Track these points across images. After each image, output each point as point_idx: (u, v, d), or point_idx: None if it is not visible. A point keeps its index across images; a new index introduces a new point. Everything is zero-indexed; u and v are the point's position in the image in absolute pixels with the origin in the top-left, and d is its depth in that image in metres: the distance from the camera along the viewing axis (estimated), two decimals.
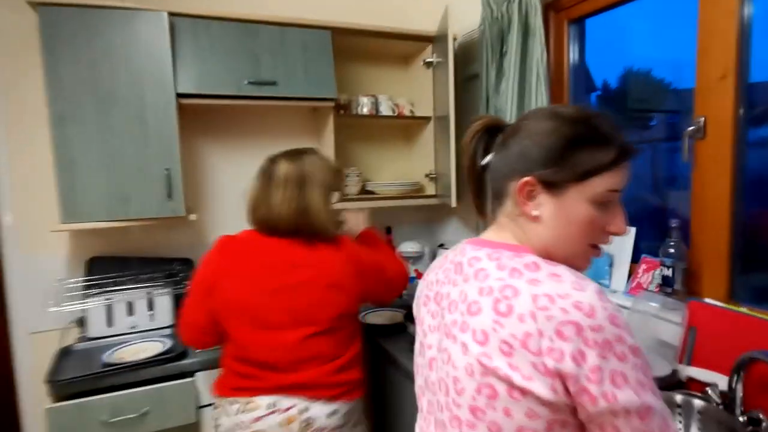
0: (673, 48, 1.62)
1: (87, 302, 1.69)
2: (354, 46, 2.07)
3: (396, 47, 2.11)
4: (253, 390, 1.21)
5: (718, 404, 1.01)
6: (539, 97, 1.58)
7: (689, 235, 1.29)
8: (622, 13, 1.65)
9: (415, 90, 2.23)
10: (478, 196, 0.78)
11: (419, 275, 1.87)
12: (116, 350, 1.57)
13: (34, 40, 1.66)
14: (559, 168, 0.65)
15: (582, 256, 0.69)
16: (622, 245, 1.46)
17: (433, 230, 2.46)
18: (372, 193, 2.11)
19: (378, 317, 1.87)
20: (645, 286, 1.37)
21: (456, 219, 2.29)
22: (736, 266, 1.22)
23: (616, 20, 1.69)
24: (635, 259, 1.44)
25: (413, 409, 0.82)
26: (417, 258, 2.30)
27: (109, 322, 1.71)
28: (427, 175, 2.14)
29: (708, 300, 1.18)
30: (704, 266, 1.25)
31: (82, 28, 1.50)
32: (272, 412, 1.19)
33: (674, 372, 1.15)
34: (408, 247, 2.26)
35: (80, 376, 1.40)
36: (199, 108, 1.86)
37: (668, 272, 1.26)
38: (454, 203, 1.83)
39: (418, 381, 0.78)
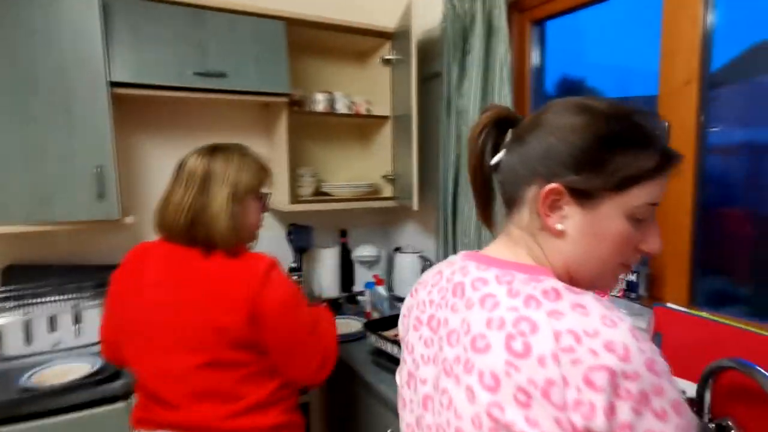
0: (626, 56, 1.65)
1: (1, 316, 1.48)
2: (309, 40, 1.97)
3: (353, 43, 2.03)
4: (149, 423, 1.06)
5: None
6: (503, 100, 1.55)
7: None
8: (581, 18, 1.65)
9: (372, 88, 2.15)
10: (484, 202, 0.67)
11: (380, 282, 1.79)
12: (36, 372, 1.38)
13: None
14: (594, 174, 0.54)
15: (610, 276, 0.60)
16: None
17: (390, 234, 2.39)
18: (327, 194, 2.01)
19: None
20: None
21: (414, 222, 2.23)
22: (697, 271, 1.23)
23: (574, 25, 1.70)
24: None
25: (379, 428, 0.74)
26: (373, 262, 2.22)
27: (28, 339, 1.50)
28: (384, 177, 2.07)
29: (671, 305, 1.18)
30: (667, 271, 1.26)
31: None
32: None
33: None
34: (364, 251, 2.19)
35: None
36: (138, 99, 1.68)
37: (633, 277, 1.25)
38: (415, 206, 1.77)
39: (407, 418, 0.67)
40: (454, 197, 1.77)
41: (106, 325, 1.16)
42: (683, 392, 1.02)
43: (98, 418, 1.29)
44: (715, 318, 1.06)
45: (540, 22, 1.67)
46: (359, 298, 2.08)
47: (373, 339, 1.50)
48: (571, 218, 0.56)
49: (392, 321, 1.61)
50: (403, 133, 1.89)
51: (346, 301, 2.08)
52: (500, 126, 0.63)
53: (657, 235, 0.59)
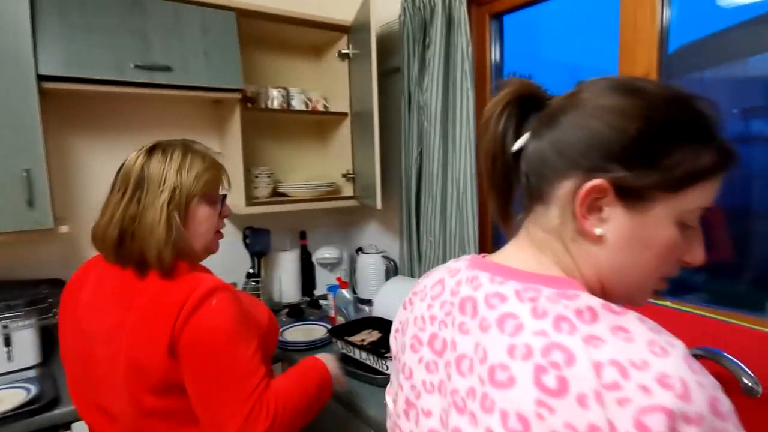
0: (580, 53, 1.67)
1: None
2: (263, 33, 1.87)
3: (308, 36, 1.94)
4: None
5: None
6: (464, 94, 1.52)
7: None
8: (537, 14, 1.66)
9: (329, 84, 2.07)
10: (504, 198, 0.55)
11: (343, 285, 1.73)
12: None
13: None
14: (649, 170, 0.45)
15: (647, 290, 0.51)
16: None
17: (351, 234, 2.33)
18: (284, 195, 1.92)
19: (295, 333, 1.69)
20: None
21: (376, 222, 2.18)
22: None
23: (530, 20, 1.71)
24: None
25: None
26: (335, 264, 2.15)
27: None
28: (344, 175, 2.00)
29: None
30: None
31: None
32: None
33: None
34: (325, 253, 2.11)
35: None
36: (72, 95, 1.53)
37: None
38: (378, 205, 1.72)
39: None
40: (418, 195, 1.73)
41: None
42: None
43: None
44: (679, 307, 1.08)
45: (498, 16, 1.66)
46: (322, 302, 2.01)
47: (339, 345, 1.44)
48: (612, 221, 0.47)
49: (358, 325, 1.55)
50: (362, 130, 1.83)
51: (308, 306, 2.00)
52: (523, 105, 0.52)
53: (702, 244, 0.51)
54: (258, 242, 1.94)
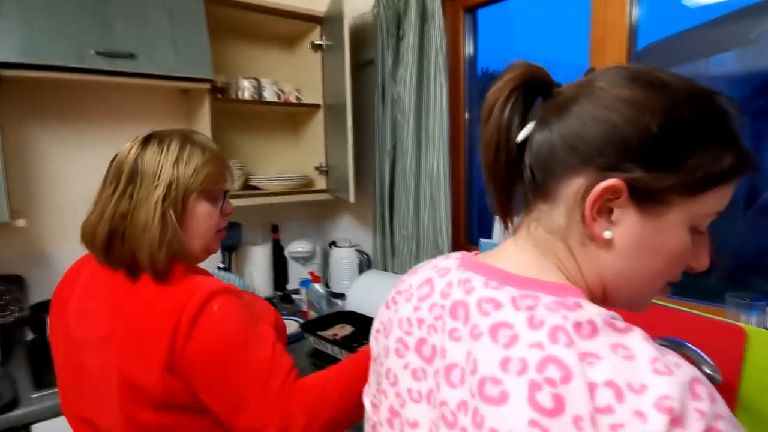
0: (553, 48, 1.69)
1: None
2: (234, 22, 1.82)
3: (280, 26, 1.90)
4: None
5: None
6: (438, 88, 1.52)
7: None
8: (511, 8, 1.67)
9: (301, 75, 2.04)
10: (506, 193, 0.49)
11: (316, 279, 1.71)
12: None
13: None
14: (670, 171, 0.41)
15: (650, 297, 0.48)
16: None
17: (324, 228, 2.31)
18: (256, 188, 1.88)
19: None
20: None
21: (349, 215, 2.17)
22: None
23: (504, 14, 1.71)
24: None
25: None
26: (308, 258, 2.13)
27: None
28: (317, 168, 1.98)
29: None
30: None
31: None
32: None
33: None
34: (297, 247, 2.09)
35: None
36: (30, 83, 1.46)
37: None
38: (352, 198, 1.71)
39: None
40: (391, 188, 1.73)
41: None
42: None
43: None
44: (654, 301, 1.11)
45: (472, 10, 1.66)
46: (294, 296, 1.99)
47: (312, 340, 1.43)
48: (622, 225, 0.43)
49: (331, 320, 1.54)
50: (336, 123, 1.81)
51: (280, 301, 1.98)
52: (529, 91, 0.47)
53: (708, 249, 0.48)
54: (229, 236, 1.89)
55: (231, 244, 1.91)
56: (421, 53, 1.55)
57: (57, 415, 1.16)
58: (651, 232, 0.43)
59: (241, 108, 1.91)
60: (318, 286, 1.68)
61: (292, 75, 2.06)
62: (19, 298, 1.46)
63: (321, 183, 1.99)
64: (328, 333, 1.45)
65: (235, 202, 1.71)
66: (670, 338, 0.90)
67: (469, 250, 0.57)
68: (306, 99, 1.98)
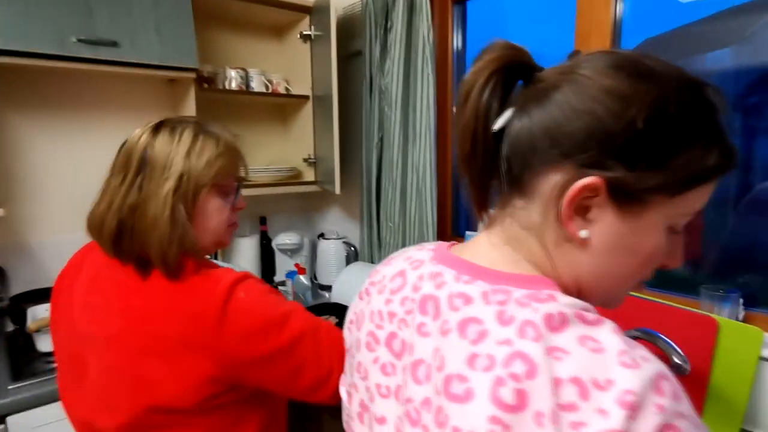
0: (545, 42, 1.68)
1: None
2: (221, 11, 1.80)
3: (269, 15, 1.88)
4: None
5: None
6: (425, 80, 1.51)
7: None
8: (501, 1, 1.65)
9: (290, 65, 2.02)
10: (482, 184, 0.46)
11: (301, 270, 1.71)
12: None
13: None
14: (653, 170, 0.39)
15: (623, 294, 0.48)
16: None
17: (313, 220, 2.30)
18: (243, 179, 1.87)
19: None
20: None
21: (337, 207, 2.16)
22: None
23: (495, 6, 1.70)
24: None
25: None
26: (295, 250, 2.12)
27: None
28: (305, 160, 1.97)
29: None
30: None
31: None
32: None
33: None
34: (285, 239, 2.08)
35: None
36: (8, 69, 1.43)
37: None
38: (337, 190, 1.70)
39: None
40: (378, 180, 1.72)
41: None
42: None
43: None
44: (630, 293, 1.11)
45: (462, 2, 1.65)
46: (281, 288, 1.98)
47: None
48: (599, 224, 0.41)
49: (315, 311, 1.54)
50: (324, 114, 1.80)
51: None
52: (508, 74, 0.44)
53: (681, 248, 0.47)
54: None
55: None
56: (409, 45, 1.54)
57: (34, 406, 1.15)
58: (628, 232, 0.42)
59: (228, 98, 1.89)
60: (303, 278, 1.68)
61: (282, 65, 2.04)
62: None
63: (309, 175, 1.98)
64: None
65: None
66: (642, 329, 0.91)
67: None
68: (295, 90, 1.97)
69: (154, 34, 1.48)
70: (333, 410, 0.74)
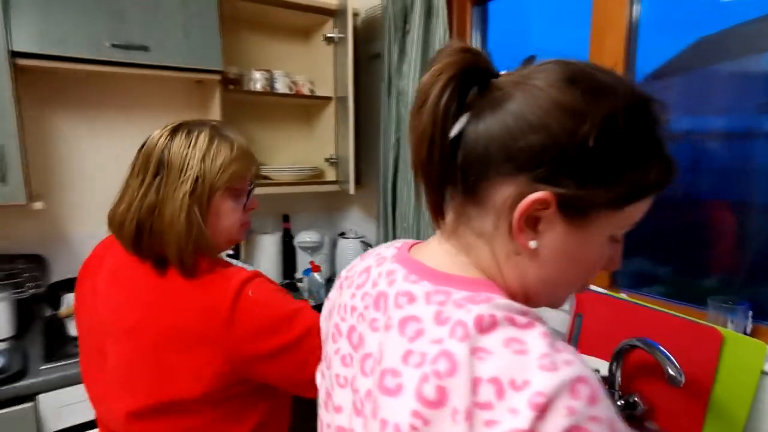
0: (568, 40, 1.65)
1: None
2: (247, 14, 1.86)
3: (294, 18, 1.94)
4: None
5: None
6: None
7: None
8: (523, 1, 1.64)
9: (315, 67, 2.07)
10: (437, 192, 0.47)
11: (315, 268, 1.75)
12: None
13: None
14: (602, 186, 0.41)
15: (566, 297, 0.50)
16: None
17: (334, 219, 2.34)
18: (267, 178, 1.93)
19: None
20: None
21: (357, 207, 2.19)
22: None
23: (518, 7, 1.69)
24: None
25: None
26: (316, 248, 2.17)
27: None
28: (327, 160, 2.01)
29: (592, 287, 1.20)
30: None
31: None
32: None
33: None
34: (306, 237, 2.13)
35: None
36: (49, 72, 1.54)
37: None
38: (352, 190, 1.73)
39: None
40: (394, 181, 1.74)
41: None
42: (598, 370, 1.04)
43: (1, 421, 1.19)
44: (633, 300, 1.09)
45: (481, 4, 1.65)
46: (299, 285, 2.04)
47: None
48: (548, 235, 0.43)
49: None
50: (346, 115, 1.84)
51: (288, 289, 2.03)
52: (465, 79, 0.43)
53: (620, 253, 0.49)
54: None
55: None
56: (425, 48, 1.55)
57: (62, 386, 1.24)
58: (574, 243, 0.43)
59: (253, 99, 1.95)
60: (317, 275, 1.72)
61: (306, 67, 2.09)
62: (37, 276, 1.55)
63: (331, 174, 2.02)
64: None
65: None
66: (645, 339, 0.90)
67: None
68: (319, 91, 2.01)
69: (181, 38, 1.55)
70: None
